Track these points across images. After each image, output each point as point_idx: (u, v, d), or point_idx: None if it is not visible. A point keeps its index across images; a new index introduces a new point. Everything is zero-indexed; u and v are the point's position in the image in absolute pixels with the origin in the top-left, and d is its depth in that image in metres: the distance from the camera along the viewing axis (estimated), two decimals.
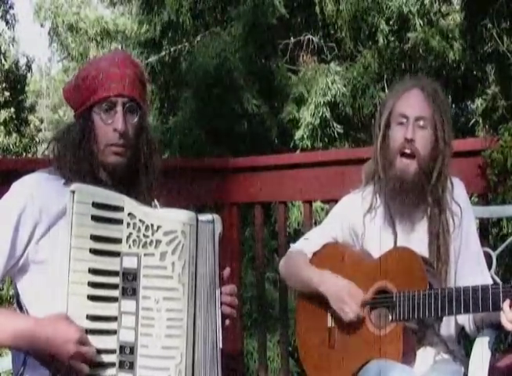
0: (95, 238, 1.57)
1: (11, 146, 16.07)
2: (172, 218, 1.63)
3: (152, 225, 1.60)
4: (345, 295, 2.09)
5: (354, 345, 2.08)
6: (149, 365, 1.57)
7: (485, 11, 7.45)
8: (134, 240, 1.59)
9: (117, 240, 1.59)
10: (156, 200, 1.86)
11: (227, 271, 1.84)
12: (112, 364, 1.56)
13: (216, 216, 1.78)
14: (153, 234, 1.59)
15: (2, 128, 16.18)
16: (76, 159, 1.72)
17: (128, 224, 1.59)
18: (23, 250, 1.68)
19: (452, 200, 2.11)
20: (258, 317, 3.51)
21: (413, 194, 2.08)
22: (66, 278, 1.54)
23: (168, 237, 1.60)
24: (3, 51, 15.69)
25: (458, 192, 2.13)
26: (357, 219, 2.21)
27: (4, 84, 16.17)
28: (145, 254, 1.59)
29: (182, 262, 1.61)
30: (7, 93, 16.21)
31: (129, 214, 1.60)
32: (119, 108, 1.73)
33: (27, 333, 1.54)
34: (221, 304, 1.75)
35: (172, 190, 2.98)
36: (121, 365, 1.56)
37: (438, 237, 2.07)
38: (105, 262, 1.58)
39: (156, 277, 1.59)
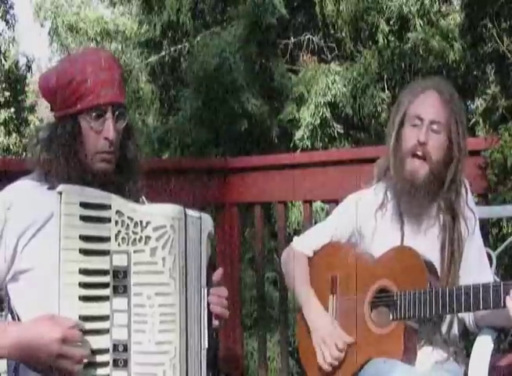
0: (85, 238, 1.56)
1: (11, 146, 16.06)
2: (161, 213, 1.63)
3: (141, 221, 1.60)
4: (327, 337, 2.09)
5: (355, 344, 2.08)
6: (144, 361, 1.57)
7: (485, 11, 7.45)
8: (123, 238, 1.59)
9: (106, 239, 1.59)
10: (143, 197, 1.85)
11: (218, 273, 1.82)
12: (106, 363, 1.56)
13: (205, 215, 1.77)
14: (142, 230, 1.60)
15: (2, 128, 16.17)
16: (64, 167, 1.68)
17: (117, 222, 1.59)
18: (9, 264, 1.67)
19: (466, 206, 2.10)
20: (258, 317, 3.51)
21: (423, 197, 2.07)
22: (57, 280, 1.54)
23: (158, 233, 1.60)
24: (3, 51, 15.67)
25: (469, 196, 2.13)
26: (366, 217, 2.19)
27: (4, 85, 16.16)
28: (135, 251, 1.59)
29: (172, 256, 1.61)
30: (7, 93, 16.20)
31: (117, 211, 1.60)
32: (109, 115, 1.69)
33: (12, 341, 1.51)
34: (209, 304, 1.75)
35: (172, 190, 2.99)
36: (115, 363, 1.56)
37: (452, 244, 2.06)
38: (95, 262, 1.57)
39: (147, 273, 1.59)
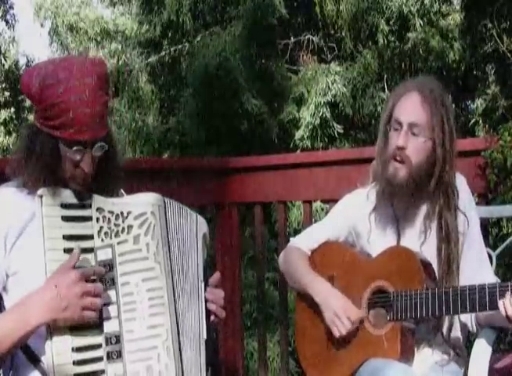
0: (68, 237, 1.59)
1: (11, 146, 16.06)
2: (140, 202, 1.66)
3: (122, 213, 1.63)
4: (339, 310, 2.08)
5: (352, 344, 2.08)
6: (137, 348, 1.58)
7: (485, 11, 7.46)
8: (106, 233, 1.62)
9: (89, 237, 1.61)
10: (122, 190, 1.85)
11: (216, 276, 1.85)
12: (99, 358, 1.57)
13: (200, 218, 1.83)
14: (123, 221, 1.63)
15: (2, 128, 16.16)
16: (41, 180, 1.65)
17: (98, 219, 1.63)
18: (4, 270, 1.66)
19: (458, 209, 2.09)
20: (258, 317, 3.50)
21: (405, 199, 2.08)
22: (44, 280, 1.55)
23: (139, 220, 1.64)
24: (3, 51, 15.65)
25: (462, 196, 2.12)
26: (361, 218, 2.20)
27: (4, 85, 16.15)
28: (118, 243, 1.62)
29: (155, 241, 1.64)
30: (7, 93, 16.19)
31: (97, 209, 1.63)
32: (88, 150, 1.66)
33: (40, 303, 1.53)
34: (206, 301, 1.78)
35: (172, 190, 2.98)
36: (109, 356, 1.57)
37: (448, 246, 2.06)
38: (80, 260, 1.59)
39: (133, 261, 1.62)
